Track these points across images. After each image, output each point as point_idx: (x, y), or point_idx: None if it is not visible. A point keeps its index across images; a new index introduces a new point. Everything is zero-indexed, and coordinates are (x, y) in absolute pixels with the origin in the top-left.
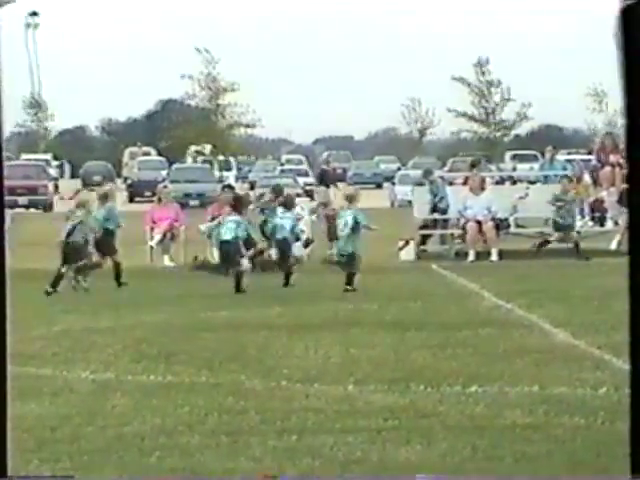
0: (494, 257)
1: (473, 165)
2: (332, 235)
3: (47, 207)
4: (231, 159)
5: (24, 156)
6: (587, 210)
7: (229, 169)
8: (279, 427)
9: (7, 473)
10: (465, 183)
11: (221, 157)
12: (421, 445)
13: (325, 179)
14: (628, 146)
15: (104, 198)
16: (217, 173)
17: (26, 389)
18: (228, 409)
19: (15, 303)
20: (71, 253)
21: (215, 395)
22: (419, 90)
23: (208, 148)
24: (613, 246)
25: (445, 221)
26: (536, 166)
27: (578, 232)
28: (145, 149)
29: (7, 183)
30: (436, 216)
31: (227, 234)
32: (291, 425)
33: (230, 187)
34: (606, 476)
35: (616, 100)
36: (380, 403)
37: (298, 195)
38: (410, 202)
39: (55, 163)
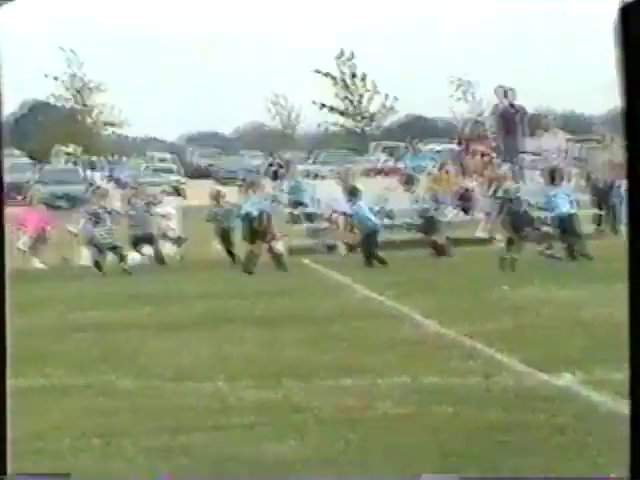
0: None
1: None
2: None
3: None
4: (97, 159)
5: None
6: (451, 199)
7: (95, 168)
8: (151, 426)
9: (6, 472)
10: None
11: (87, 157)
12: (294, 440)
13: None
14: (628, 144)
15: None
16: (84, 173)
17: None
18: (99, 410)
19: None
20: None
21: (86, 396)
22: (284, 84)
23: (74, 148)
24: (479, 233)
25: (309, 215)
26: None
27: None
28: (12, 151)
29: None
30: (294, 211)
31: None
32: (163, 424)
33: (99, 187)
34: (606, 476)
35: (482, 89)
36: (252, 399)
37: (167, 193)
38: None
39: None
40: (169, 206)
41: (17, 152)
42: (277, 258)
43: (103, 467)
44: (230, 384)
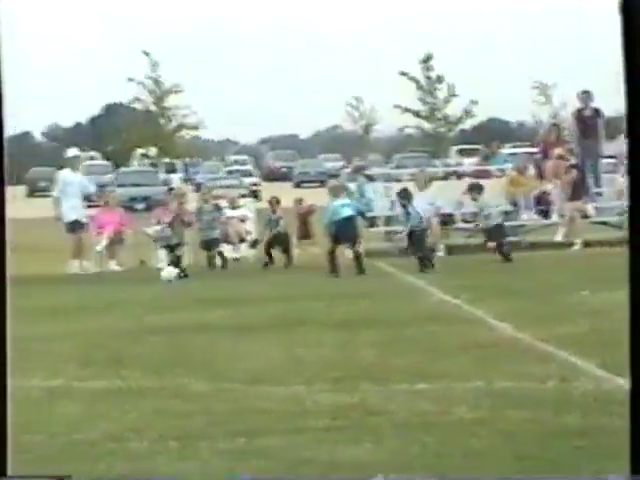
0: (440, 252)
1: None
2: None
3: None
4: (177, 161)
5: None
6: (532, 203)
7: (174, 171)
8: (227, 429)
9: (7, 473)
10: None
11: (166, 160)
12: (370, 443)
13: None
14: (629, 143)
15: None
16: (162, 176)
17: None
18: (175, 413)
19: None
20: None
21: (162, 399)
22: (363, 87)
23: (154, 151)
24: (559, 238)
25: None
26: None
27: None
28: (91, 154)
29: None
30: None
31: None
32: (239, 427)
33: (173, 190)
34: (606, 476)
35: (562, 92)
36: (328, 402)
37: (243, 196)
38: None
39: None
40: (245, 209)
41: (95, 154)
42: (359, 261)
43: (179, 469)
44: (306, 387)
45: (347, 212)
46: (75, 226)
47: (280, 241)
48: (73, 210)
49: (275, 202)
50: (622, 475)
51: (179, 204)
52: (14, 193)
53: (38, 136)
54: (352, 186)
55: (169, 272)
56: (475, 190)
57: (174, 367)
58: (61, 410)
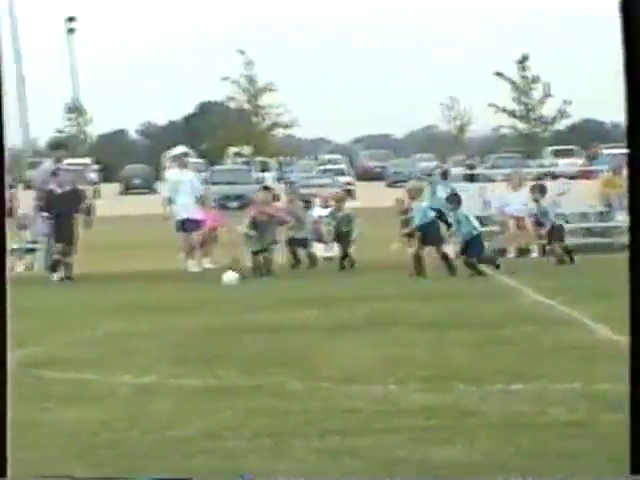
0: (534, 253)
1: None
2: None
3: (87, 212)
4: (270, 160)
5: (66, 161)
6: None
7: (267, 170)
8: (321, 428)
9: (7, 473)
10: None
11: (260, 158)
12: (463, 444)
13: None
14: (629, 143)
15: None
16: (256, 174)
17: (68, 394)
18: (270, 411)
19: (63, 307)
20: None
21: (257, 397)
22: (458, 86)
23: (247, 149)
24: None
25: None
26: (579, 161)
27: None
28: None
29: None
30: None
31: None
32: (333, 426)
33: (267, 188)
34: (606, 476)
35: None
36: (421, 402)
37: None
38: None
39: (95, 167)
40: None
41: (188, 151)
42: (448, 261)
43: (273, 467)
44: (399, 387)
45: (432, 215)
46: (186, 224)
47: (340, 239)
48: (184, 208)
49: (339, 199)
50: (622, 475)
51: (271, 203)
52: (108, 191)
53: (133, 134)
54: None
55: (230, 277)
56: (537, 191)
57: (268, 366)
58: (155, 407)
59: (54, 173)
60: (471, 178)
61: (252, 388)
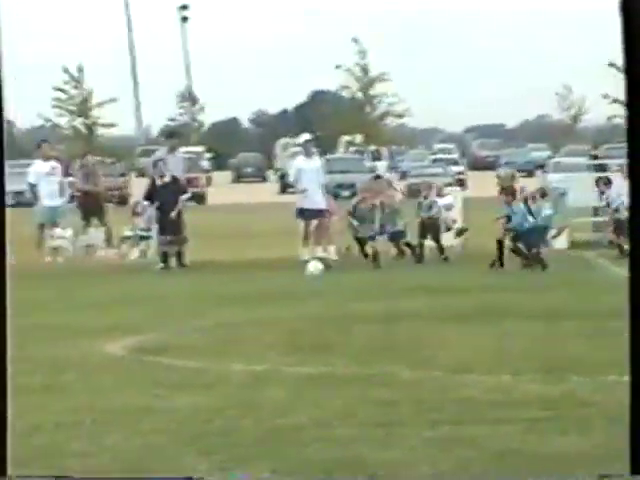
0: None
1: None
2: None
3: (200, 200)
4: (383, 149)
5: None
6: None
7: (380, 159)
8: (433, 418)
9: (7, 473)
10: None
11: (372, 147)
12: (578, 435)
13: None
14: (629, 143)
15: None
16: (368, 163)
17: (180, 381)
18: (382, 400)
19: (180, 295)
20: None
21: (369, 386)
22: (572, 76)
23: (360, 138)
24: None
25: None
26: None
27: None
28: (295, 140)
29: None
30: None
31: None
32: (445, 416)
33: (379, 177)
34: (606, 476)
35: None
36: (535, 393)
37: (449, 184)
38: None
39: (207, 155)
40: (450, 197)
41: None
42: (539, 258)
43: (384, 457)
44: (512, 377)
45: (530, 223)
46: (306, 213)
47: (429, 228)
48: (307, 196)
49: (426, 187)
50: (622, 475)
51: (384, 192)
52: (220, 179)
53: (245, 122)
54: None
55: (314, 266)
56: (602, 183)
57: (380, 355)
58: (266, 395)
59: (155, 164)
60: (599, 168)
61: (364, 377)
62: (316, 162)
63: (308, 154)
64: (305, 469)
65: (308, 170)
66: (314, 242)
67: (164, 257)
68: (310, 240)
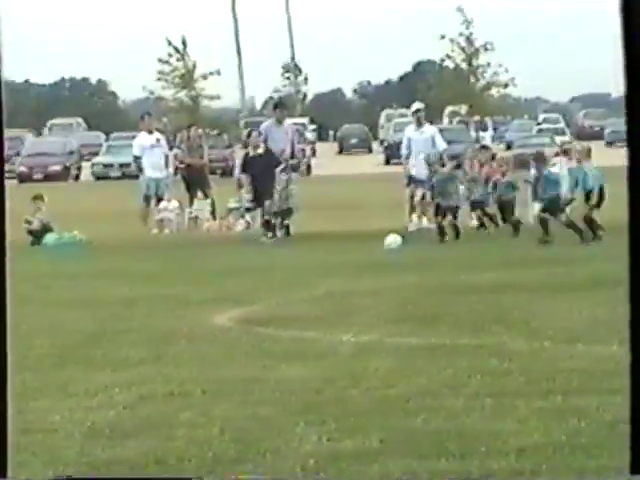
0: None
1: None
2: None
3: (306, 171)
4: (487, 119)
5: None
6: None
7: (485, 129)
8: (544, 388)
9: (7, 474)
10: None
11: (477, 118)
12: None
13: None
14: (629, 143)
15: None
16: (473, 134)
17: (289, 352)
18: (492, 371)
19: (283, 264)
20: None
21: (478, 357)
22: None
23: (464, 109)
24: None
25: None
26: None
27: None
28: (401, 111)
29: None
30: None
31: None
32: (556, 386)
33: (485, 147)
34: (606, 476)
35: None
36: None
37: (557, 154)
38: None
39: (312, 127)
40: (558, 167)
41: (405, 111)
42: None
43: (495, 427)
44: (621, 347)
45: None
46: (411, 182)
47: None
48: (413, 167)
49: (479, 162)
50: (622, 475)
51: (489, 162)
52: (324, 150)
53: (349, 93)
54: None
55: (393, 240)
56: None
57: (490, 325)
58: (376, 365)
59: (249, 134)
60: None
61: (473, 347)
62: (427, 131)
63: (419, 124)
64: (413, 439)
65: (418, 140)
66: (419, 212)
67: (267, 228)
68: (417, 210)
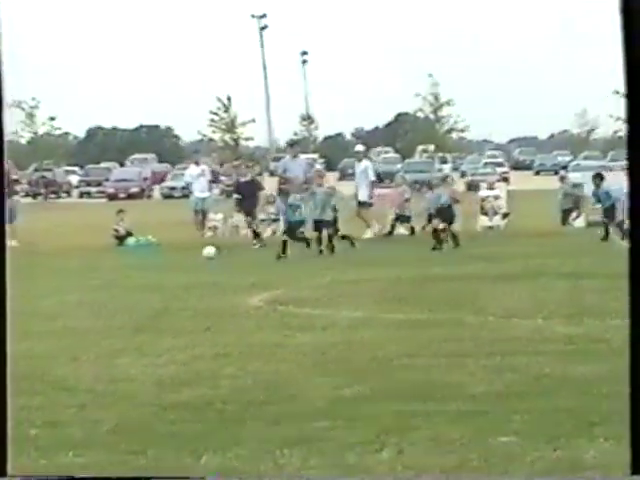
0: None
1: None
2: None
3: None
4: (447, 155)
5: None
6: None
7: (445, 162)
8: (487, 351)
9: (7, 473)
10: None
11: (440, 154)
12: (594, 363)
13: None
14: (629, 143)
15: None
16: (437, 166)
17: (302, 324)
18: (447, 338)
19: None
20: None
21: (439, 329)
22: (588, 99)
23: (431, 147)
24: None
25: None
26: None
27: None
28: (385, 149)
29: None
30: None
31: None
32: (496, 349)
33: (445, 177)
34: (606, 476)
35: None
36: (562, 332)
37: (497, 181)
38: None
39: (320, 161)
40: (498, 190)
41: (389, 149)
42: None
43: (450, 380)
44: (545, 321)
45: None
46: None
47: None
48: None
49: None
50: (622, 475)
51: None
52: (330, 178)
53: (348, 136)
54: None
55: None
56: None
57: (448, 305)
58: (365, 335)
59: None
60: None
61: (436, 322)
62: (363, 165)
63: (359, 160)
64: (394, 388)
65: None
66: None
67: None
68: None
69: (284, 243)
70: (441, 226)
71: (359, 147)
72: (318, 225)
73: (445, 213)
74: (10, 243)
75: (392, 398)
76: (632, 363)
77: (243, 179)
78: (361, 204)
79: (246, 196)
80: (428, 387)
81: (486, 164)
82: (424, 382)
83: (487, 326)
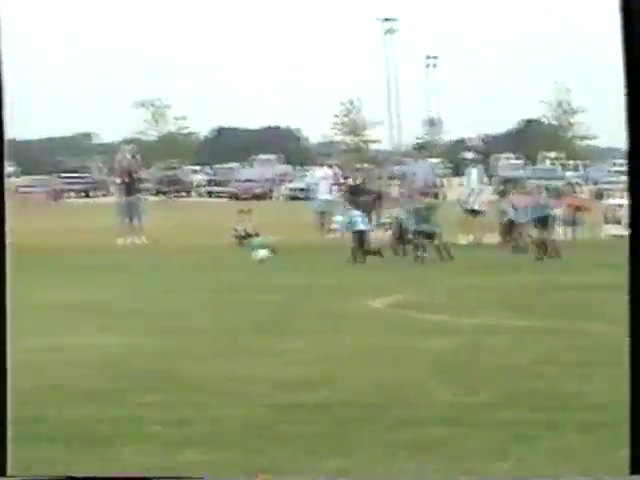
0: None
1: None
2: None
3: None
4: (578, 162)
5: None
6: None
7: (570, 169)
8: (614, 359)
9: (7, 473)
10: None
11: (564, 161)
12: None
13: None
14: (629, 143)
15: None
16: (563, 173)
17: (425, 329)
18: (575, 347)
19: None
20: None
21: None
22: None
23: (556, 154)
24: None
25: None
26: None
27: None
28: (508, 155)
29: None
30: None
31: None
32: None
33: (570, 184)
34: (606, 476)
35: None
36: None
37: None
38: None
39: (441, 166)
40: (623, 199)
41: (512, 156)
42: None
43: (582, 390)
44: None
45: None
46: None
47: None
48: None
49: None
50: (622, 475)
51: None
52: (455, 182)
53: (473, 140)
54: None
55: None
56: None
57: (572, 315)
58: (490, 342)
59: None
60: None
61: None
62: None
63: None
64: (518, 398)
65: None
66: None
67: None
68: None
69: (397, 247)
70: (542, 235)
71: (468, 154)
72: (429, 235)
73: (545, 222)
74: (141, 240)
75: (516, 407)
76: (632, 364)
77: (360, 182)
78: (471, 212)
79: (361, 199)
80: (553, 395)
81: (611, 172)
82: (548, 393)
83: (612, 336)
